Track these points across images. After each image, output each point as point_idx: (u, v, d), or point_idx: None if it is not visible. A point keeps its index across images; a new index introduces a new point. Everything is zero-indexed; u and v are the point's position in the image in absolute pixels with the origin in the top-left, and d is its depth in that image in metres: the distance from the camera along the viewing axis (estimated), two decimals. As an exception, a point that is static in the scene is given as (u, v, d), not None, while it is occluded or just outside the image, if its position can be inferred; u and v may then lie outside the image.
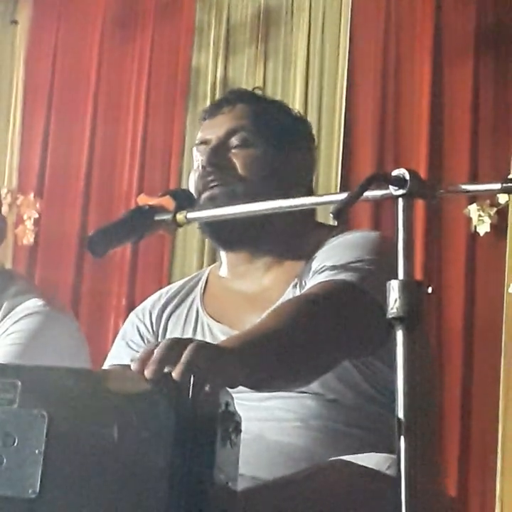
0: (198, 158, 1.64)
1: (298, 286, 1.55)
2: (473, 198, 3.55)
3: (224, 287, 1.66)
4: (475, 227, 3.63)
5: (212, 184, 1.58)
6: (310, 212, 1.66)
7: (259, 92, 1.75)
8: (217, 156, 1.59)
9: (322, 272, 1.48)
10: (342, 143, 3.81)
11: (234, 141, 1.60)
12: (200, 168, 1.60)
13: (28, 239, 4.16)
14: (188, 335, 1.60)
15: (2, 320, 1.91)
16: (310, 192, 1.67)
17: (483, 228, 3.62)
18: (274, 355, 1.26)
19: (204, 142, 1.63)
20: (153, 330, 1.66)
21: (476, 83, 3.71)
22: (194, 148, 1.67)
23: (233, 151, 1.60)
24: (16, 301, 1.92)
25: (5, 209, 4.17)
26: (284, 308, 1.39)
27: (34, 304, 1.91)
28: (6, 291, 1.95)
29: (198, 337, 1.58)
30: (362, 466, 1.37)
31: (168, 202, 1.48)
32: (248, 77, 4.01)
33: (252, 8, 4.09)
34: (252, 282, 1.62)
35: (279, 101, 1.77)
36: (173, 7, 4.18)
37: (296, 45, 3.99)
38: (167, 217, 1.46)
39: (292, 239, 1.61)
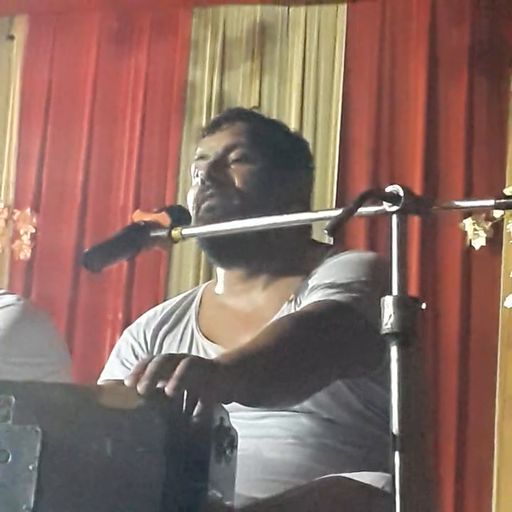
0: (196, 173, 1.65)
1: (293, 303, 1.55)
2: (468, 212, 3.56)
3: (219, 305, 1.66)
4: (470, 241, 3.64)
5: (209, 197, 1.59)
6: (306, 231, 1.66)
7: (257, 111, 1.75)
8: (216, 170, 1.60)
9: (317, 291, 1.48)
10: (337, 158, 3.82)
11: (232, 156, 1.61)
12: (200, 182, 1.61)
13: (25, 254, 4.16)
14: None
15: None
16: (308, 208, 1.67)
17: (479, 242, 3.62)
18: (266, 371, 1.26)
19: (202, 157, 1.64)
20: (147, 349, 1.65)
21: (471, 99, 3.73)
22: (192, 165, 1.68)
23: (232, 166, 1.61)
24: None
25: (1, 224, 4.19)
26: (277, 325, 1.39)
27: (10, 298, 2.00)
28: None
29: None
30: (359, 482, 1.37)
31: (164, 218, 1.49)
32: (244, 92, 4.03)
33: (247, 24, 4.10)
34: (247, 301, 1.62)
35: (278, 120, 1.78)
36: (168, 22, 4.20)
37: (292, 60, 4.01)
38: (162, 233, 1.46)
39: (289, 257, 1.62)
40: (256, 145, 1.62)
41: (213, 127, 1.66)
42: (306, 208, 1.67)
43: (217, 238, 1.54)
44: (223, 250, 1.60)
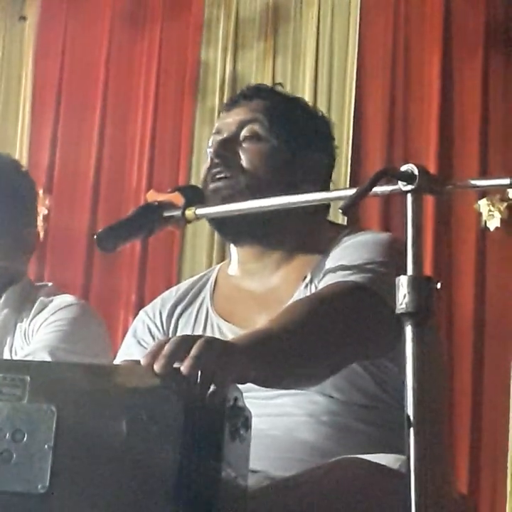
0: (210, 146, 1.65)
1: (310, 285, 1.54)
2: (483, 192, 3.54)
3: (233, 286, 1.65)
4: (485, 222, 3.62)
5: (217, 176, 1.59)
6: (322, 211, 1.65)
7: (280, 88, 1.73)
8: (226, 148, 1.60)
9: (333, 272, 1.48)
10: (351, 138, 3.81)
11: (245, 133, 1.61)
12: (209, 159, 1.61)
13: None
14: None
15: (36, 315, 2.01)
16: (323, 191, 1.65)
17: (493, 223, 3.61)
18: (282, 353, 1.26)
19: (218, 132, 1.64)
20: (163, 329, 1.66)
21: (486, 78, 3.70)
22: (210, 139, 1.67)
23: (243, 144, 1.61)
24: (48, 299, 2.04)
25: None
26: (295, 307, 1.39)
27: (67, 298, 2.05)
28: (36, 294, 2.06)
29: None
30: (374, 463, 1.37)
31: (177, 198, 1.49)
32: (257, 73, 4.01)
33: (260, 3, 4.08)
34: (261, 281, 1.62)
35: (300, 98, 1.76)
36: (181, 2, 4.18)
37: (305, 39, 3.99)
38: (176, 213, 1.46)
39: (303, 237, 1.61)
40: (270, 123, 1.60)
41: (232, 104, 1.66)
42: (321, 188, 1.65)
43: (227, 216, 1.54)
44: (233, 228, 1.60)
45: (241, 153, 1.59)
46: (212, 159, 1.60)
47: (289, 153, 1.60)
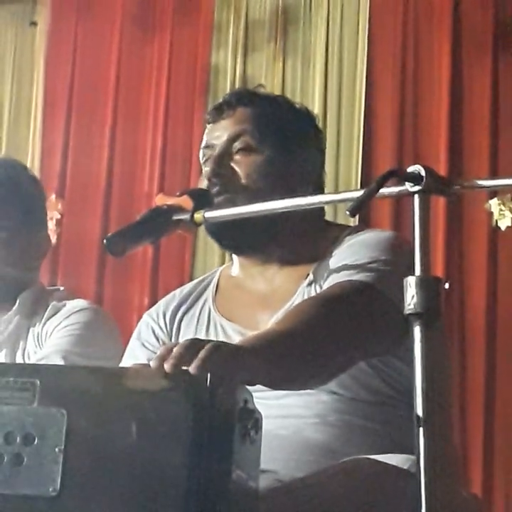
0: (204, 162, 1.65)
1: (313, 284, 1.55)
2: (494, 192, 3.53)
3: (236, 286, 1.66)
4: (496, 221, 3.62)
5: (217, 195, 1.58)
6: (319, 212, 1.66)
7: (261, 90, 1.73)
8: (221, 165, 1.60)
9: (338, 272, 1.48)
10: (362, 139, 3.81)
11: (237, 145, 1.60)
12: (206, 179, 1.61)
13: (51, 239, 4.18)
14: (201, 334, 1.61)
15: (49, 320, 2.01)
16: (319, 188, 1.65)
17: (505, 222, 3.60)
18: (291, 354, 1.27)
19: (208, 146, 1.64)
20: (167, 331, 1.67)
21: (495, 77, 3.69)
22: (200, 152, 1.67)
23: (236, 157, 1.60)
24: (60, 303, 2.04)
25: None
26: (302, 308, 1.39)
27: (80, 302, 2.05)
28: (48, 298, 2.06)
29: (211, 337, 1.59)
30: (385, 463, 1.37)
31: (186, 201, 1.49)
32: (267, 75, 4.01)
33: (270, 6, 4.08)
34: (264, 282, 1.62)
35: (281, 97, 1.76)
36: (191, 5, 4.19)
37: (315, 41, 3.99)
38: (185, 216, 1.47)
39: (303, 241, 1.62)
40: (260, 132, 1.60)
41: (216, 114, 1.65)
42: (317, 185, 1.65)
43: (225, 229, 1.55)
44: (232, 241, 1.61)
45: (236, 168, 1.59)
46: (209, 179, 1.60)
47: (283, 160, 1.60)
